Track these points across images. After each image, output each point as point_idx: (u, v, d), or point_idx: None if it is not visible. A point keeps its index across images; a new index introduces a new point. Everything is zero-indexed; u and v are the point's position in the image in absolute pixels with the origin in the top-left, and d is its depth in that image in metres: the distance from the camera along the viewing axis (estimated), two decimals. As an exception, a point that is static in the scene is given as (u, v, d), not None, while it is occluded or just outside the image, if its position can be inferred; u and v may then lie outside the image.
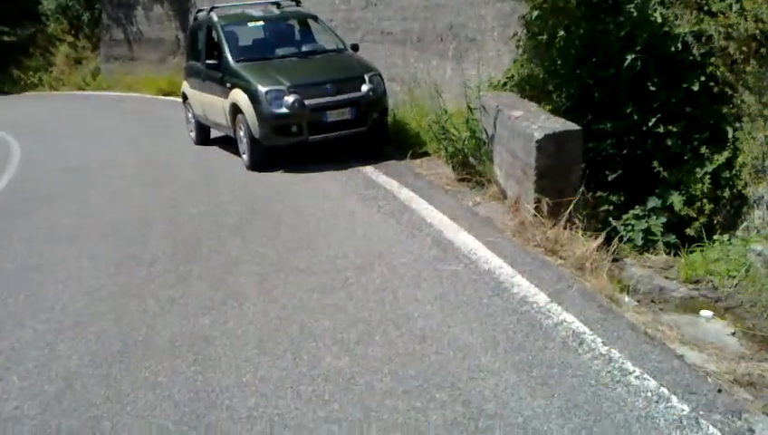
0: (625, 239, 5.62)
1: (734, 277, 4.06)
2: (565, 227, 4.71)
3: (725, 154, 5.33)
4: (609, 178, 6.08)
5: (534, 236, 4.69)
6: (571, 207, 4.74)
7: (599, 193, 6.08)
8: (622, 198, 5.99)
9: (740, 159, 5.26)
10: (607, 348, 3.17)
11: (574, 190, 4.88)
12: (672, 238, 5.53)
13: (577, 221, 4.74)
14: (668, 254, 4.83)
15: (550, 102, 6.53)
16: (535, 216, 4.85)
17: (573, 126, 4.93)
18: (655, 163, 5.66)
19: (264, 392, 3.09)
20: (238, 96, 7.51)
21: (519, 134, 5.19)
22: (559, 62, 6.35)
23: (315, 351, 3.39)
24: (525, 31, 6.61)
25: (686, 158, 5.64)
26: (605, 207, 6.00)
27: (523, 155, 5.09)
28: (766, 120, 5.00)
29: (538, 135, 4.82)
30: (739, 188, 5.29)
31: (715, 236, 4.84)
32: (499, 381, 3.00)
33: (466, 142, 6.37)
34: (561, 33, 6.15)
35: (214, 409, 3.01)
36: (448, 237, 4.82)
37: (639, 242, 5.56)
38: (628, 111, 5.87)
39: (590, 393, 2.84)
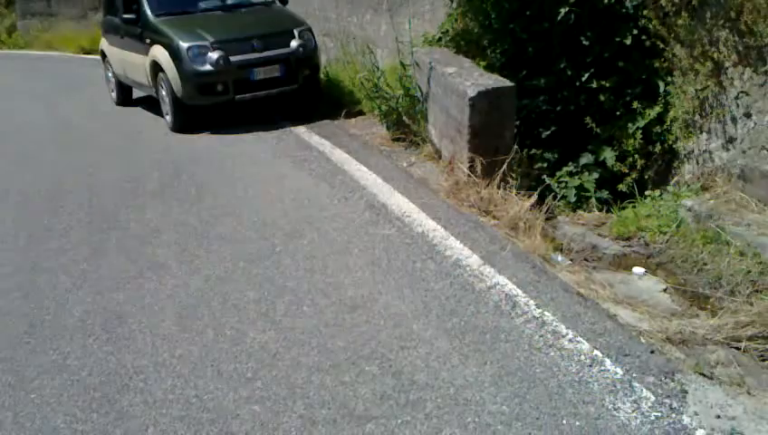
0: (559, 197, 5.61)
1: (666, 233, 4.04)
2: (499, 187, 4.59)
3: (657, 109, 5.30)
4: (543, 136, 6.00)
5: (468, 197, 4.56)
6: (504, 166, 4.62)
7: (533, 150, 6.02)
8: (556, 155, 5.92)
9: (671, 114, 5.24)
10: (540, 311, 3.07)
11: (508, 149, 4.75)
12: (605, 194, 5.51)
13: (511, 180, 4.63)
14: (601, 211, 4.79)
15: (484, 58, 6.36)
16: (469, 176, 4.72)
17: (507, 82, 4.78)
18: (588, 119, 5.59)
19: (181, 373, 2.86)
20: (158, 53, 7.02)
21: (452, 91, 5.01)
22: (493, 16, 6.15)
23: (238, 325, 3.18)
24: (459, -17, 6.39)
25: (618, 113, 5.59)
26: (539, 165, 5.93)
27: (457, 113, 4.92)
28: (697, 74, 4.97)
29: (471, 92, 4.65)
30: (670, 142, 5.29)
31: (647, 192, 4.82)
32: (431, 349, 2.86)
33: (400, 101, 6.14)
34: (495, -15, 5.95)
35: (126, 392, 2.77)
36: (382, 200, 4.63)
37: (573, 199, 5.52)
38: (562, 66, 5.75)
39: (523, 359, 2.74)
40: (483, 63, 6.29)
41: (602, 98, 5.62)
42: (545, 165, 5.96)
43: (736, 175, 4.06)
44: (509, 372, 2.67)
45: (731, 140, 4.84)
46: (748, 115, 4.68)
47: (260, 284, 3.55)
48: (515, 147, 4.75)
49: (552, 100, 5.93)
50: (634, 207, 4.64)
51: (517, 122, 5.99)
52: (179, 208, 4.80)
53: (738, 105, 4.74)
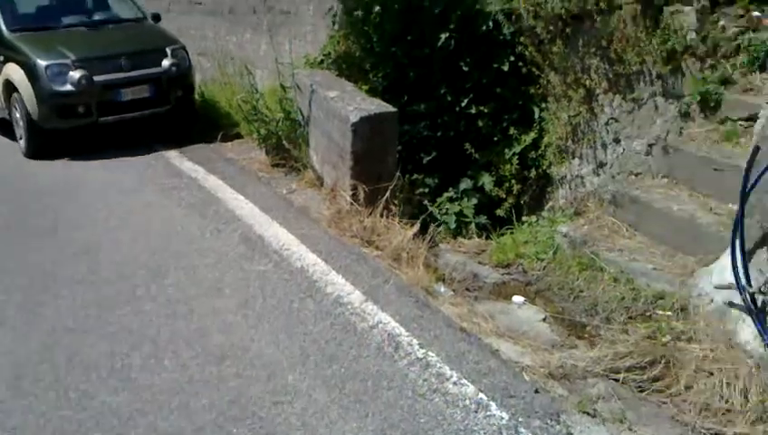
0: (440, 223, 5.56)
1: (543, 260, 4.04)
2: (382, 215, 4.43)
3: (532, 134, 5.39)
4: (425, 161, 5.95)
5: (351, 226, 4.36)
6: (387, 193, 4.47)
7: (415, 176, 5.95)
8: (437, 181, 5.89)
9: (545, 140, 5.35)
10: (424, 351, 2.91)
11: (391, 175, 4.61)
12: (483, 219, 5.53)
13: (394, 208, 4.48)
14: (481, 237, 4.76)
15: (367, 82, 6.24)
16: (352, 204, 4.53)
17: (389, 108, 4.65)
18: (467, 145, 5.60)
19: (12, 450, 2.42)
20: (13, 71, 6.34)
21: (335, 116, 4.81)
22: (374, 39, 6.05)
23: (86, 386, 2.76)
24: (341, 5, 6.23)
25: (496, 139, 5.64)
26: (420, 190, 5.87)
27: (339, 138, 4.73)
28: (570, 101, 5.10)
29: (354, 117, 4.47)
30: (544, 167, 5.39)
31: (524, 218, 4.85)
32: (308, 403, 2.60)
33: (280, 124, 5.86)
34: (377, 8, 5.85)
35: (-59, 480, 2.30)
36: (258, 232, 4.33)
37: (453, 225, 5.49)
38: (442, 91, 5.74)
39: (407, 408, 2.55)
40: (365, 87, 6.16)
41: (481, 123, 5.66)
42: (426, 190, 5.90)
43: (607, 200, 4.15)
44: (392, 424, 2.47)
45: (601, 165, 4.98)
46: (617, 141, 4.84)
47: (115, 334, 3.14)
48: (398, 173, 4.62)
49: (433, 125, 5.90)
50: (512, 233, 4.64)
51: (399, 147, 5.92)
52: (29, 246, 4.25)
53: (608, 131, 4.89)
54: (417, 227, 4.19)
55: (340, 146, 4.72)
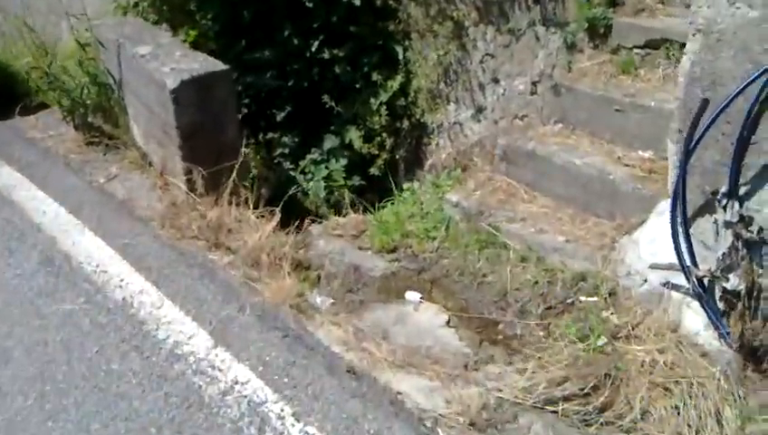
0: (308, 191, 4.66)
1: (435, 239, 3.28)
2: (231, 202, 3.44)
3: (399, 79, 4.53)
4: (279, 118, 4.94)
5: (191, 224, 3.33)
6: (233, 174, 3.46)
7: (269, 134, 4.94)
8: (296, 140, 4.93)
9: (414, 84, 4.52)
10: (301, 426, 2.05)
11: (234, 151, 3.58)
12: (357, 181, 4.70)
13: (244, 192, 3.49)
14: (357, 211, 3.89)
15: (195, 26, 5.02)
16: (189, 193, 3.48)
17: (218, 64, 3.55)
18: (326, 97, 4.64)
19: None
20: None
21: (150, 80, 3.65)
22: (195, -26, 4.81)
23: None
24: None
25: (358, 86, 4.73)
26: (279, 151, 4.89)
27: (160, 109, 3.60)
28: (436, 37, 4.27)
29: (172, 82, 3.36)
30: (417, 116, 4.59)
31: (405, 185, 4.04)
32: None
33: (87, 92, 4.55)
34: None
35: None
36: (65, 248, 3.18)
37: (323, 193, 4.61)
38: (287, 33, 4.68)
39: None
40: (193, 33, 4.95)
41: (338, 70, 4.70)
42: (287, 150, 4.94)
43: (498, 156, 3.43)
44: None
45: (480, 110, 4.25)
46: (496, 80, 4.10)
47: None
48: (243, 148, 3.59)
49: (283, 74, 4.86)
50: (393, 204, 3.84)
51: (246, 101, 4.85)
52: None
53: (484, 69, 4.14)
54: (277, 218, 3.24)
55: (162, 119, 3.60)
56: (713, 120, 2.06)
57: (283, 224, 3.43)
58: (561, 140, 3.32)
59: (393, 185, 4.12)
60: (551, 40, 3.72)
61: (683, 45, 3.00)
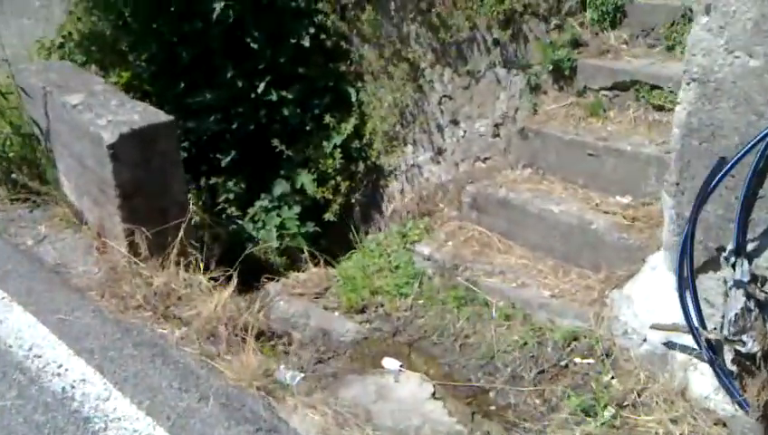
0: (257, 241, 4.33)
1: (407, 296, 3.03)
2: (179, 263, 3.08)
3: (352, 121, 4.31)
4: (223, 163, 4.61)
5: (135, 293, 2.95)
6: (181, 232, 3.10)
7: (213, 180, 4.59)
8: (243, 186, 4.60)
9: (369, 126, 4.30)
10: None
11: (181, 208, 3.24)
12: (311, 228, 4.41)
13: (194, 253, 3.14)
14: (317, 264, 3.58)
15: (128, 67, 4.66)
16: (130, 259, 3.09)
17: (160, 115, 3.21)
18: (276, 141, 4.36)
19: None
20: None
21: (83, 133, 3.27)
22: (126, 13, 4.45)
23: None
24: (74, -30, 4.52)
25: (308, 128, 4.47)
26: (224, 197, 4.55)
27: (96, 165, 3.21)
28: (391, 78, 4.08)
29: (110, 137, 3.00)
30: (373, 159, 4.37)
31: (370, 236, 3.79)
32: None
33: (9, 144, 4.09)
34: (121, -28, 4.26)
35: None
36: (-13, 329, 2.74)
37: (275, 243, 4.29)
38: (229, 75, 4.38)
39: None
40: (126, 75, 4.60)
41: (287, 112, 4.44)
42: (231, 196, 4.60)
43: (467, 204, 3.24)
44: None
45: (440, 152, 4.07)
46: (455, 122, 3.94)
47: None
48: (191, 205, 3.25)
49: (227, 117, 4.55)
50: (354, 255, 3.56)
51: (185, 144, 4.48)
52: None
53: (442, 111, 3.97)
54: (234, 283, 2.90)
55: (98, 175, 3.21)
56: (723, 176, 1.91)
57: (237, 282, 3.10)
58: (533, 186, 3.16)
59: (354, 231, 3.86)
60: (512, 82, 3.59)
61: (653, 87, 2.95)
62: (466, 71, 3.75)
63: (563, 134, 3.13)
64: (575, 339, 2.52)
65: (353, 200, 4.45)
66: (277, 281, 3.44)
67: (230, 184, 4.63)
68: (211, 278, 3.02)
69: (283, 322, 3.01)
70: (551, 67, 3.32)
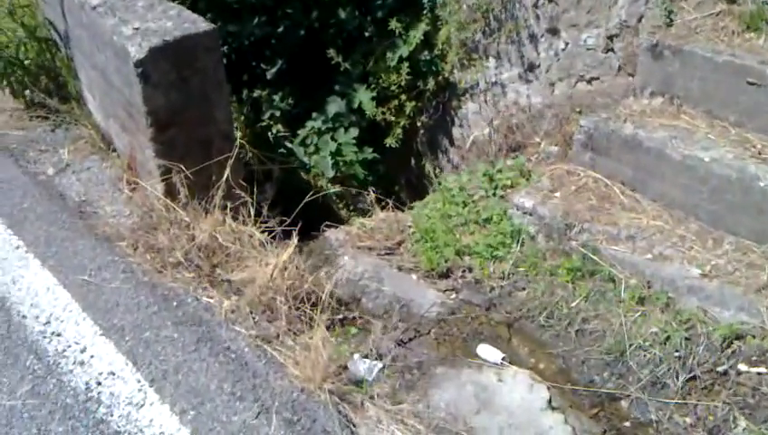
0: (310, 169, 3.71)
1: (503, 258, 2.39)
2: (225, 209, 2.46)
3: (422, 27, 3.49)
4: (269, 76, 3.89)
5: (174, 249, 2.37)
6: (227, 171, 2.46)
7: (256, 92, 3.90)
8: (291, 102, 3.89)
9: (443, 34, 3.48)
10: None
11: (227, 139, 2.58)
12: (369, 154, 3.74)
13: (241, 193, 2.51)
14: (384, 207, 2.91)
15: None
16: (167, 202, 2.49)
17: (200, 23, 2.46)
18: (332, 51, 3.59)
19: None
20: None
21: (105, 43, 2.57)
22: None
23: None
24: None
25: (368, 35, 3.68)
26: (269, 113, 3.87)
27: (123, 85, 2.54)
28: (474, -26, 3.21)
29: (138, 51, 2.30)
30: (446, 74, 3.58)
31: (450, 177, 3.04)
32: None
33: (24, 49, 3.42)
34: None
35: None
36: (0, 289, 2.22)
37: (331, 173, 3.65)
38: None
39: None
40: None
41: (343, 15, 3.64)
42: (277, 113, 3.92)
43: (579, 142, 2.51)
44: None
45: (531, 68, 3.27)
46: (554, 31, 3.11)
47: None
48: (237, 139, 2.59)
49: (272, 20, 3.77)
50: (432, 204, 2.87)
51: (224, 50, 3.74)
52: None
53: (539, 16, 3.13)
54: (294, 242, 2.28)
55: (126, 98, 2.55)
56: None
57: (285, 213, 2.50)
58: (668, 121, 2.40)
59: (421, 162, 3.18)
60: (639, -21, 2.72)
61: None
62: (577, -37, 2.87)
63: (714, 54, 2.32)
64: (738, 338, 1.88)
65: (419, 123, 3.72)
66: (335, 228, 2.81)
67: (276, 99, 3.93)
68: (265, 229, 2.41)
69: (351, 285, 2.42)
70: (699, -38, 2.45)
